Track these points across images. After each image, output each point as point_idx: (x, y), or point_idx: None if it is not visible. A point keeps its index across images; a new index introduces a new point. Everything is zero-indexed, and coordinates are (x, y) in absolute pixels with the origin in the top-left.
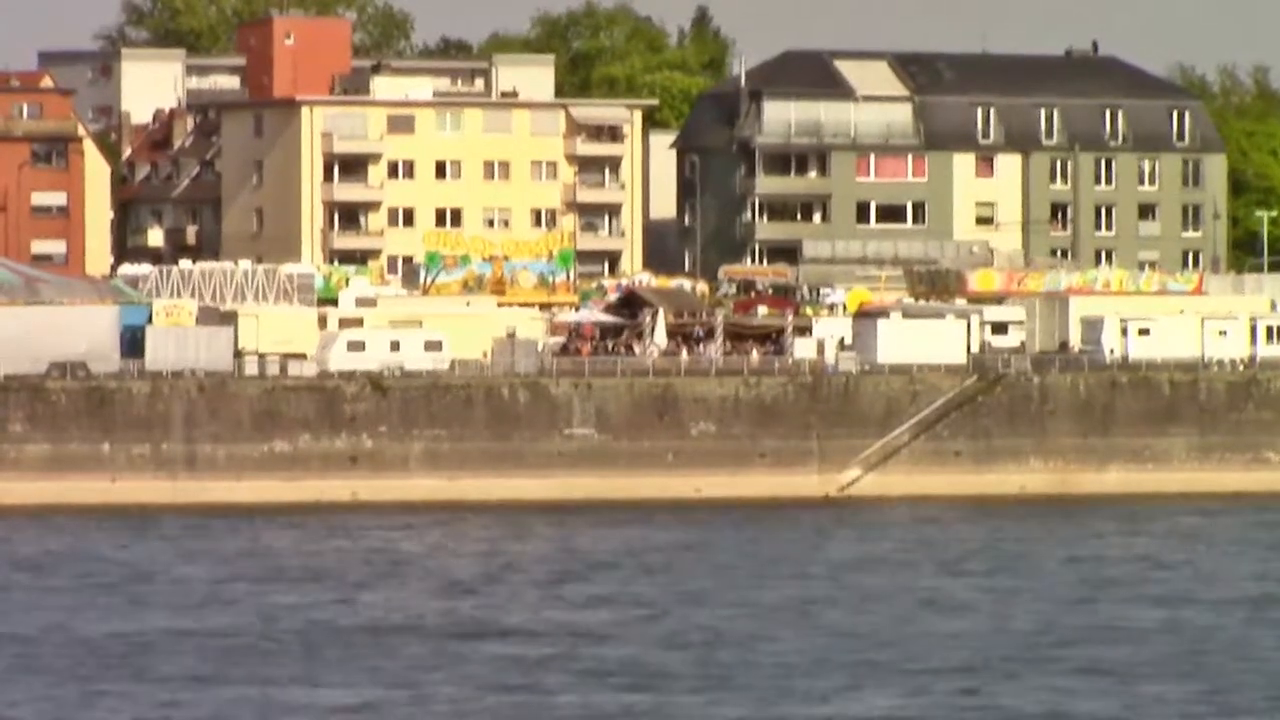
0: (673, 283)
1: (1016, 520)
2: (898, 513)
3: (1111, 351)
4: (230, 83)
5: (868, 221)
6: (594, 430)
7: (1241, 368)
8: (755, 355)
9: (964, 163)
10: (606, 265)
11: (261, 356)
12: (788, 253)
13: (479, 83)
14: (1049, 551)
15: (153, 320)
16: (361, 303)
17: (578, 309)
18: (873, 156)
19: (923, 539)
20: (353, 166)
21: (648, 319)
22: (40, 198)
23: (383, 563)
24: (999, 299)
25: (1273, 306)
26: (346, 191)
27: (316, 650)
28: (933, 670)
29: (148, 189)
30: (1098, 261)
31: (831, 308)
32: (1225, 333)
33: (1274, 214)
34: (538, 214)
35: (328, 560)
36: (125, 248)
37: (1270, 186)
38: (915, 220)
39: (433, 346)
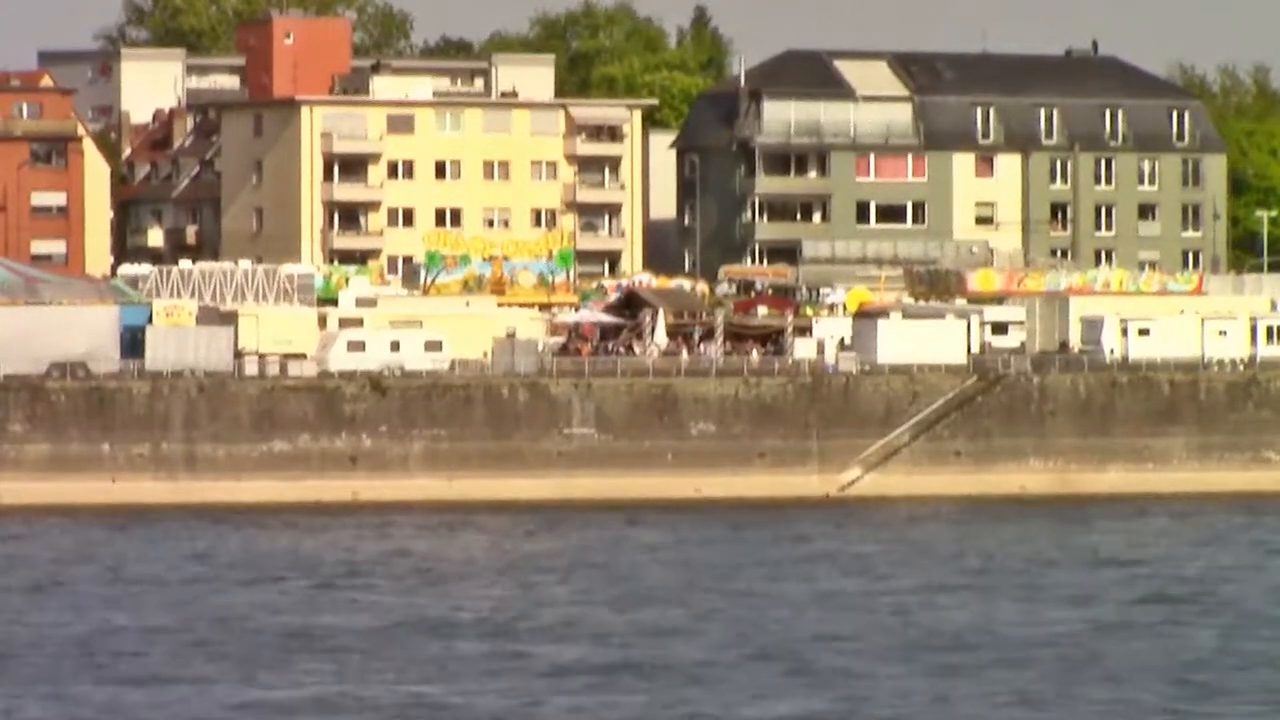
0: (673, 283)
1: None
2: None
3: (1111, 351)
4: (230, 82)
5: (868, 221)
6: (594, 430)
7: (1241, 368)
8: (755, 355)
9: (964, 163)
10: (606, 265)
11: (261, 356)
12: (788, 253)
13: (479, 83)
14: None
15: (153, 320)
16: (361, 303)
17: (578, 309)
18: (873, 156)
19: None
20: (352, 166)
21: (648, 319)
22: (40, 198)
23: None
24: (999, 299)
25: (1273, 306)
26: (346, 191)
27: None
28: None
29: (148, 189)
30: (1098, 261)
31: (831, 308)
32: (1225, 333)
33: (1274, 214)
34: (538, 214)
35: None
36: (125, 248)
37: (1270, 186)
38: (915, 220)
39: (433, 346)
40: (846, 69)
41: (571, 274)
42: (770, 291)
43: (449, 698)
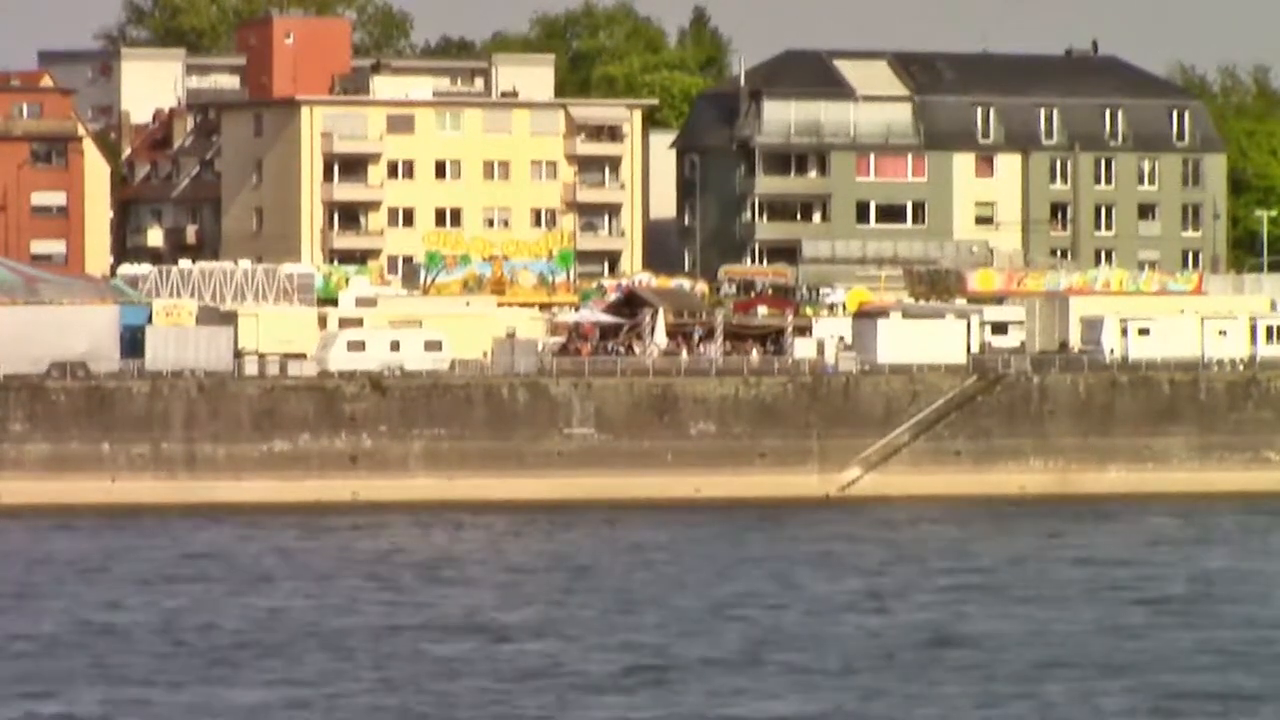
0: (673, 283)
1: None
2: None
3: (1111, 351)
4: (230, 82)
5: (867, 221)
6: (594, 430)
7: (1241, 367)
8: (755, 355)
9: (964, 162)
10: (606, 265)
11: (261, 356)
12: (788, 253)
13: (479, 82)
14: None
15: (153, 320)
16: (361, 302)
17: (578, 309)
18: (873, 156)
19: None
20: (353, 166)
21: (648, 319)
22: (40, 197)
23: None
24: (999, 299)
25: (1272, 306)
26: (346, 191)
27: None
28: None
29: (147, 189)
30: (1098, 261)
31: (831, 308)
32: (1225, 332)
33: (1274, 213)
34: (538, 214)
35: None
36: (125, 247)
37: (1270, 186)
38: (915, 220)
39: (433, 346)
40: (846, 69)
41: (571, 274)
42: (770, 291)
43: (441, 698)
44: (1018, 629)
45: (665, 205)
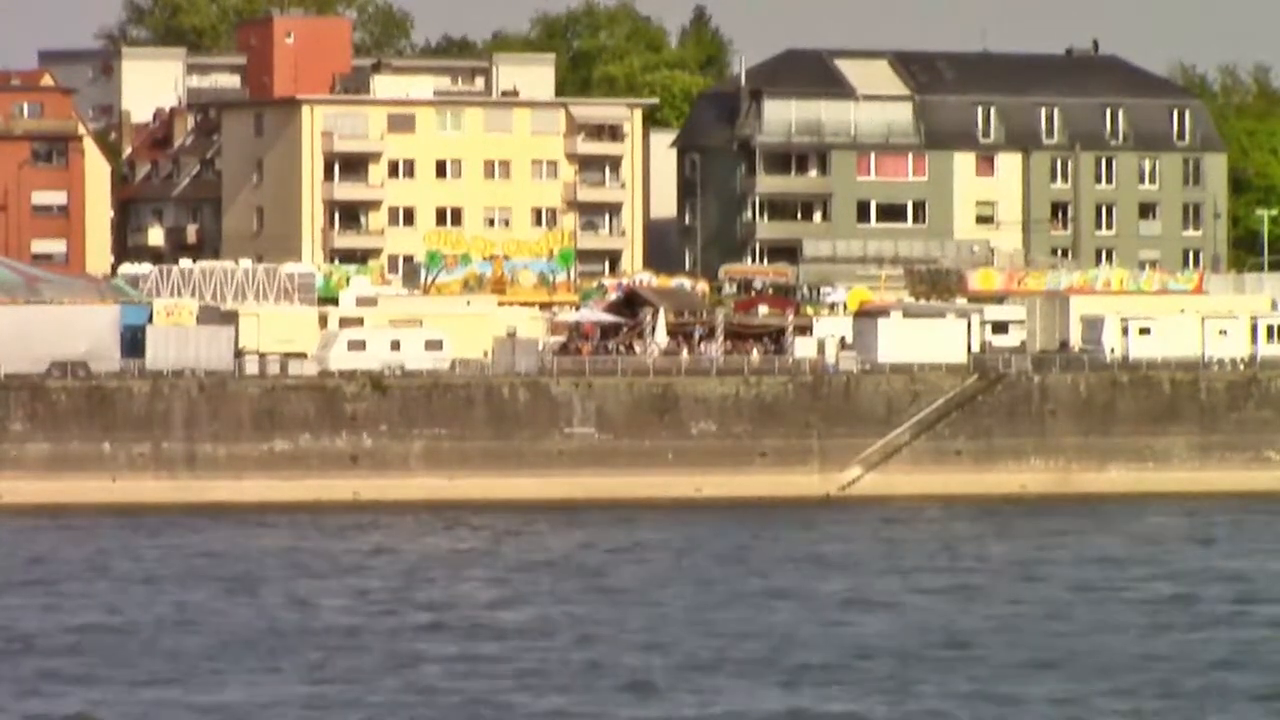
0: (673, 282)
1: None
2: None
3: (1112, 351)
4: (231, 81)
5: (868, 221)
6: (594, 429)
7: (1242, 367)
8: (756, 355)
9: (964, 162)
10: (607, 264)
11: (262, 356)
12: (788, 252)
13: (479, 82)
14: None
15: (153, 320)
16: (362, 302)
17: (578, 308)
18: (873, 156)
19: None
20: (353, 165)
21: (648, 318)
22: (40, 197)
23: None
24: (999, 298)
25: (1273, 305)
26: (347, 190)
27: None
28: None
29: (148, 188)
30: (1098, 261)
31: (832, 307)
32: (1226, 332)
33: (1274, 213)
34: (538, 213)
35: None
36: (125, 247)
37: (1271, 185)
38: (916, 219)
39: (433, 346)
40: (847, 68)
41: (572, 273)
42: (771, 291)
43: (439, 698)
44: (1017, 628)
45: (666, 205)
